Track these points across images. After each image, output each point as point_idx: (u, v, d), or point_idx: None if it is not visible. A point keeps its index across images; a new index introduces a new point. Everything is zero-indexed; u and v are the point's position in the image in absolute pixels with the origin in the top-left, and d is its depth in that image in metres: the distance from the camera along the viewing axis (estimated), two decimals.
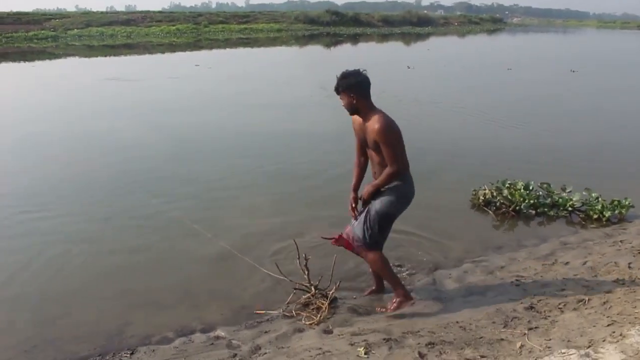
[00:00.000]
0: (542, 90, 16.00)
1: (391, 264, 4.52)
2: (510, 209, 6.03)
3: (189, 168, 7.80)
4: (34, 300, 4.24)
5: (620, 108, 13.35)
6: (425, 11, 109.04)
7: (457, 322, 3.61)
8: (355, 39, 44.97)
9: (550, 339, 3.21)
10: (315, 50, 35.41)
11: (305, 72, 20.44)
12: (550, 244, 5.21)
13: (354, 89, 3.51)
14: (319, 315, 3.82)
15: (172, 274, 4.70)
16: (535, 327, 3.43)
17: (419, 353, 3.17)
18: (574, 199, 6.05)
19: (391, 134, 3.47)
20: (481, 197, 6.25)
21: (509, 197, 6.09)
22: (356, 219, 3.78)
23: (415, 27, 64.28)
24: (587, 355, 2.85)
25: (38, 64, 25.87)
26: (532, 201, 6.07)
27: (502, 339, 3.31)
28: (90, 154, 8.56)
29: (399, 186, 3.61)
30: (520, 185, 6.29)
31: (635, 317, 3.29)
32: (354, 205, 3.81)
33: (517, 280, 4.30)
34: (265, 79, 18.07)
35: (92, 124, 10.83)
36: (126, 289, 4.41)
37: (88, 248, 5.17)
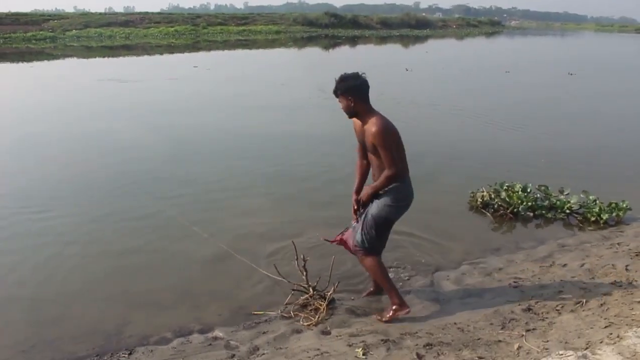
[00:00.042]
0: (540, 93, 16.04)
1: (389, 265, 4.56)
2: (508, 211, 6.04)
3: (187, 169, 7.80)
4: (31, 300, 4.23)
5: (618, 111, 13.38)
6: (424, 14, 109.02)
7: (455, 323, 3.62)
8: (353, 41, 45.07)
9: (547, 341, 3.23)
10: (313, 52, 35.44)
11: (304, 74, 20.47)
12: (548, 246, 5.22)
13: (353, 92, 3.50)
14: (317, 316, 3.83)
15: (170, 274, 4.70)
16: (533, 329, 3.45)
17: (417, 354, 3.18)
18: (571, 201, 6.07)
19: (388, 136, 3.45)
20: (479, 200, 6.26)
21: (507, 199, 6.11)
22: (357, 221, 3.77)
23: (413, 29, 64.44)
24: (585, 356, 2.87)
25: (36, 64, 25.86)
26: (529, 203, 6.09)
27: (499, 341, 3.32)
28: (88, 155, 8.56)
29: (398, 190, 3.58)
30: (518, 187, 6.30)
31: (633, 319, 3.31)
32: (355, 207, 3.78)
33: (514, 282, 4.32)
34: (263, 80, 18.08)
35: (91, 125, 10.82)
36: (124, 290, 4.41)
37: (86, 248, 5.17)
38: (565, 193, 6.25)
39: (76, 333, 3.77)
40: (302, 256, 4.10)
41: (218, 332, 3.73)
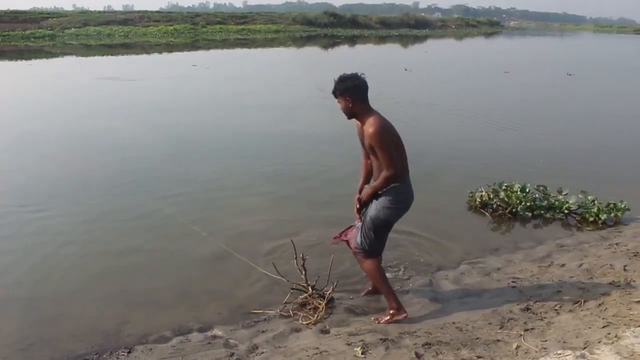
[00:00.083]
0: (539, 93, 16.06)
1: (388, 264, 4.57)
2: (507, 211, 6.05)
3: (186, 168, 7.80)
4: (30, 299, 4.23)
5: (617, 112, 13.41)
6: (423, 14, 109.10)
7: (453, 322, 3.63)
8: (352, 40, 45.07)
9: (546, 340, 3.24)
10: (312, 52, 35.43)
11: (303, 74, 20.47)
12: (547, 246, 5.24)
13: (351, 92, 3.48)
14: (316, 315, 3.83)
15: (169, 273, 4.70)
16: (531, 329, 3.46)
17: (416, 353, 3.19)
18: (570, 201, 6.08)
19: (386, 137, 3.42)
20: (478, 199, 6.27)
21: (506, 199, 6.12)
22: (360, 221, 3.76)
23: (412, 29, 64.47)
24: (583, 356, 2.88)
25: (35, 62, 25.84)
26: (528, 203, 6.10)
27: (498, 340, 3.33)
28: (87, 153, 8.55)
29: (397, 191, 3.54)
30: (517, 187, 6.31)
31: (631, 319, 3.32)
32: (357, 206, 3.75)
33: (513, 281, 4.33)
34: (262, 79, 18.08)
35: (89, 123, 10.82)
36: (123, 289, 4.41)
37: (85, 247, 5.16)
38: (563, 193, 6.26)
39: (75, 332, 3.77)
40: (301, 255, 4.11)
41: (217, 331, 3.73)
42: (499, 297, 4.03)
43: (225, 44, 38.85)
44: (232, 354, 3.39)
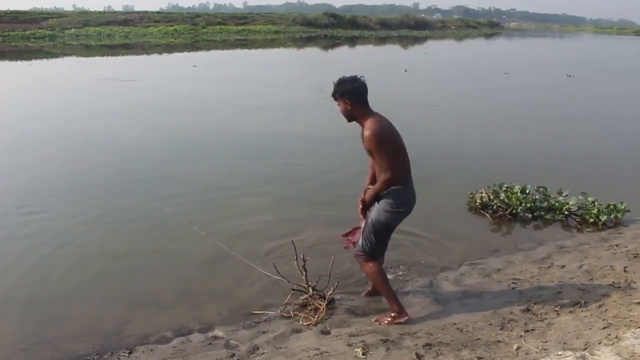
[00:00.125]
0: (539, 94, 16.07)
1: (389, 265, 4.57)
2: (507, 212, 6.06)
3: (186, 168, 7.81)
4: (31, 300, 4.23)
5: (617, 114, 13.41)
6: (423, 15, 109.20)
7: (454, 323, 3.63)
8: (352, 41, 45.10)
9: (546, 341, 3.24)
10: (312, 53, 35.45)
11: (303, 74, 20.48)
12: (547, 248, 5.24)
13: (350, 95, 3.46)
14: (316, 316, 3.84)
15: (170, 274, 4.70)
16: (532, 330, 3.46)
17: (417, 354, 3.19)
18: (570, 202, 6.08)
19: (381, 140, 3.37)
20: (478, 201, 6.27)
21: (506, 200, 6.12)
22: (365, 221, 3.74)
23: (412, 30, 64.44)
24: (583, 357, 2.88)
25: (35, 62, 25.85)
26: (528, 205, 6.10)
27: (498, 341, 3.33)
28: (87, 154, 8.56)
29: (397, 194, 3.51)
30: (517, 188, 6.31)
31: (631, 320, 3.32)
32: (361, 207, 3.72)
33: (513, 283, 4.33)
34: (262, 80, 18.09)
35: (89, 123, 10.83)
36: (124, 289, 4.41)
37: (85, 248, 5.16)
38: (564, 194, 6.27)
39: (76, 332, 3.77)
40: (301, 256, 4.11)
41: (218, 332, 3.74)
42: (499, 298, 4.03)
43: (226, 44, 38.87)
44: (233, 355, 3.39)
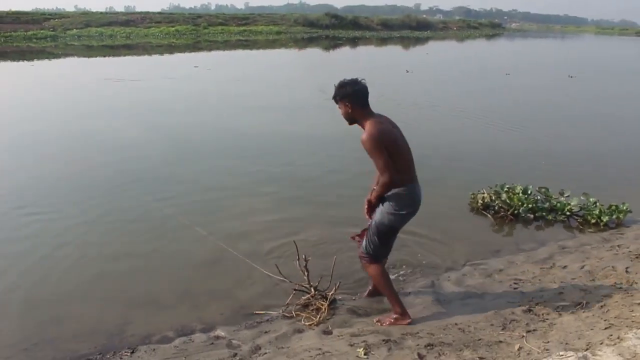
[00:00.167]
0: (540, 95, 16.07)
1: (391, 265, 4.57)
2: (509, 212, 6.06)
3: (186, 168, 7.81)
4: (32, 300, 4.23)
5: (619, 114, 13.40)
6: (424, 15, 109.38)
7: (456, 324, 3.63)
8: (354, 42, 45.11)
9: (548, 342, 3.24)
10: (314, 53, 35.45)
11: (304, 75, 20.49)
12: (549, 248, 5.24)
13: (351, 98, 3.44)
14: (318, 316, 3.84)
15: (172, 273, 4.71)
16: (534, 330, 3.46)
17: (418, 354, 3.19)
18: (572, 203, 6.08)
19: (376, 143, 3.31)
20: (480, 201, 6.27)
21: (508, 201, 6.12)
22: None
23: (414, 31, 64.42)
24: (585, 357, 2.88)
25: (37, 63, 25.86)
26: (530, 205, 6.10)
27: (500, 341, 3.33)
28: (87, 154, 8.57)
29: (400, 196, 3.48)
30: (518, 189, 6.32)
31: (633, 321, 3.32)
32: (366, 207, 3.70)
33: (515, 283, 4.33)
34: (264, 81, 18.10)
35: (90, 124, 10.84)
36: (125, 289, 4.41)
37: (85, 248, 5.17)
38: (565, 195, 6.27)
39: (78, 332, 3.78)
40: (303, 256, 4.11)
41: (220, 331, 3.74)
42: (501, 299, 4.03)
43: (227, 45, 38.89)
44: (235, 355, 3.40)
